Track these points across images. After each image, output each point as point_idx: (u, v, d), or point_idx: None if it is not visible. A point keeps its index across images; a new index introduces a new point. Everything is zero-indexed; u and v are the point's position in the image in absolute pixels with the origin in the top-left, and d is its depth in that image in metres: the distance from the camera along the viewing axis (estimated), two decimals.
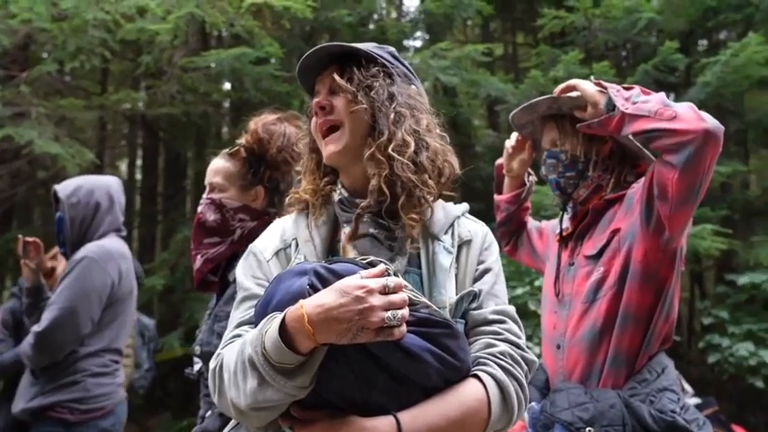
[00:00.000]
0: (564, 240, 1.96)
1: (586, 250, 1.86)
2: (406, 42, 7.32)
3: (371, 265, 1.10)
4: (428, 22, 7.04)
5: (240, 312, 1.21)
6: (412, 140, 1.23)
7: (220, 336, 1.64)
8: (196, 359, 1.84)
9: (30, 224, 8.52)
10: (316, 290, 1.03)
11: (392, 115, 1.23)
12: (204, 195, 1.88)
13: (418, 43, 7.82)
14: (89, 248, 2.56)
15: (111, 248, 2.62)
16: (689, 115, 1.55)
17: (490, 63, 7.41)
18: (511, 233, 2.28)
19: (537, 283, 4.77)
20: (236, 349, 1.08)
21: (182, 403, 3.23)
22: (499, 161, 2.23)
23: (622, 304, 1.73)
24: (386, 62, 1.29)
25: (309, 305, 0.99)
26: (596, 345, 1.75)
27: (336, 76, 1.25)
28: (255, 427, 1.12)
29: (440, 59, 5.93)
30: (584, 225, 1.90)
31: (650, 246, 1.71)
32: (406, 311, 1.02)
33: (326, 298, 0.99)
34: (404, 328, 1.02)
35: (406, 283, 1.12)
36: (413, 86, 1.32)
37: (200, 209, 1.85)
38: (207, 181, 1.89)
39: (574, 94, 1.78)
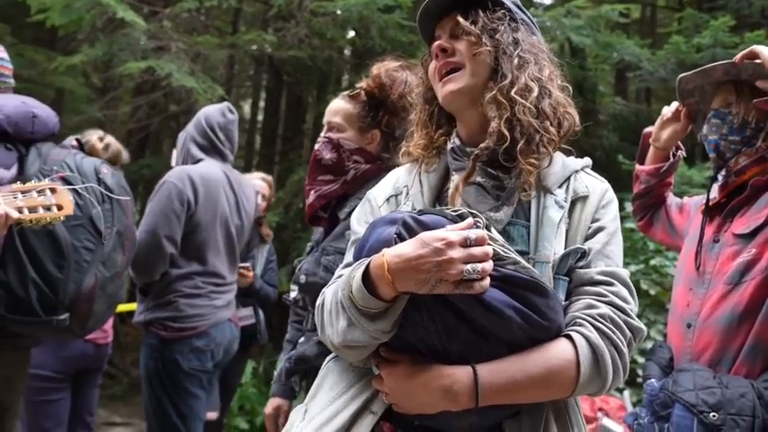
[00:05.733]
0: (709, 211, 1.83)
1: (737, 228, 1.73)
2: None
3: (461, 217, 1.09)
4: None
5: (349, 255, 1.27)
6: (535, 86, 1.20)
7: (326, 268, 1.71)
8: (293, 287, 1.93)
9: (160, 154, 9.14)
10: (402, 239, 1.05)
11: (516, 60, 1.21)
12: (322, 134, 1.93)
13: (548, 0, 7.48)
14: (171, 173, 2.72)
15: (193, 171, 2.73)
16: None
17: (624, 25, 6.95)
18: (647, 207, 2.15)
19: (652, 262, 4.56)
20: (333, 290, 1.14)
21: (284, 335, 3.43)
22: (648, 129, 2.10)
23: None
24: (511, 8, 1.27)
25: (390, 254, 1.02)
26: (734, 330, 1.64)
27: (461, 19, 1.24)
28: (350, 361, 1.19)
29: (573, 18, 5.63)
30: (739, 200, 1.76)
31: None
32: (487, 265, 1.01)
33: (406, 248, 1.01)
34: (485, 282, 1.01)
35: (497, 237, 1.11)
36: (534, 36, 1.29)
37: (317, 146, 1.90)
38: (326, 120, 1.93)
39: (756, 61, 1.64)
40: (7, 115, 2.04)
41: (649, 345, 3.00)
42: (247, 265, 3.55)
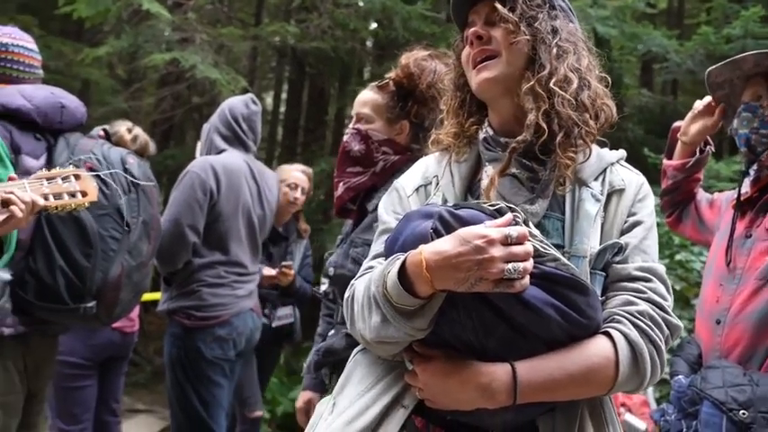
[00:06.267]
0: (741, 206, 1.80)
1: None
2: None
3: (499, 212, 1.07)
4: None
5: (377, 245, 1.25)
6: (575, 77, 1.17)
7: (354, 260, 1.70)
8: (324, 279, 1.93)
9: (184, 145, 9.20)
10: (439, 235, 1.02)
11: (555, 50, 1.17)
12: (351, 125, 1.92)
13: None
14: (194, 163, 2.75)
15: (216, 161, 2.75)
16: None
17: (651, 16, 6.84)
18: (675, 204, 2.11)
19: (677, 257, 4.49)
20: (365, 283, 1.12)
21: (308, 326, 3.43)
22: (677, 123, 2.06)
23: None
24: None
25: (428, 251, 1.00)
26: (765, 326, 1.61)
27: (498, 5, 1.20)
28: (381, 356, 1.17)
29: (599, 8, 5.55)
30: None
31: None
32: (528, 264, 0.99)
33: (446, 245, 0.99)
34: (525, 280, 0.99)
35: (536, 233, 1.08)
36: (571, 24, 1.25)
37: (345, 138, 1.89)
38: (354, 111, 1.92)
39: None
40: (37, 106, 2.07)
41: (676, 341, 2.96)
42: (290, 263, 3.51)
